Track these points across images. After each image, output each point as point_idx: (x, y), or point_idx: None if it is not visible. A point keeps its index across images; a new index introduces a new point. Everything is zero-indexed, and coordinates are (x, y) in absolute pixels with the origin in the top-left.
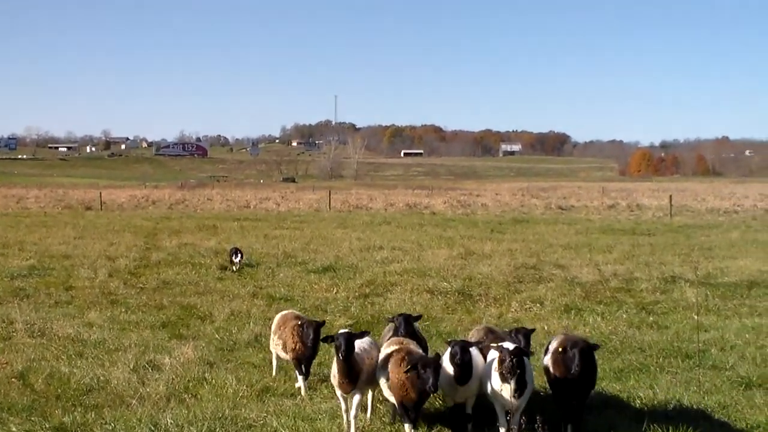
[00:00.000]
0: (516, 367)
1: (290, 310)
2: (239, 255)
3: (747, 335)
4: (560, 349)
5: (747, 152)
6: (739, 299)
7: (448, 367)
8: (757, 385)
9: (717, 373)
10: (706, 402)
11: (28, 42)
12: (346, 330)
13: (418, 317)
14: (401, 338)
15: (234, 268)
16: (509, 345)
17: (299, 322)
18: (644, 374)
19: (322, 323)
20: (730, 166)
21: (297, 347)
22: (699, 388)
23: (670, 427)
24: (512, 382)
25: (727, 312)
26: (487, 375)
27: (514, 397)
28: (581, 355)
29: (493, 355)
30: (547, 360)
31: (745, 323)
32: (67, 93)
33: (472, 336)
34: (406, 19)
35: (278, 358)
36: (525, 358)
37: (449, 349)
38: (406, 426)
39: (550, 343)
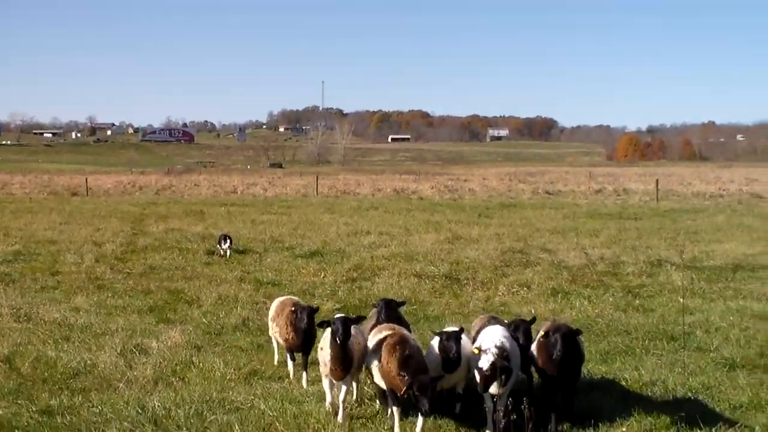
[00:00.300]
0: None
1: (287, 297)
2: (228, 241)
3: (731, 317)
4: (542, 335)
5: (738, 137)
6: (724, 282)
7: (436, 354)
8: (740, 366)
9: (701, 355)
10: (691, 383)
11: (11, 27)
12: (342, 315)
13: (402, 303)
14: (392, 324)
15: (223, 254)
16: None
17: (293, 309)
18: (630, 356)
19: (316, 309)
20: (717, 150)
21: (290, 335)
22: (684, 370)
23: (655, 409)
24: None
25: (712, 295)
26: (474, 361)
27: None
28: (563, 340)
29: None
30: (533, 347)
31: (729, 306)
32: (52, 79)
33: (476, 324)
34: (394, 5)
35: (279, 343)
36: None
37: (438, 340)
38: (395, 410)
39: (539, 331)
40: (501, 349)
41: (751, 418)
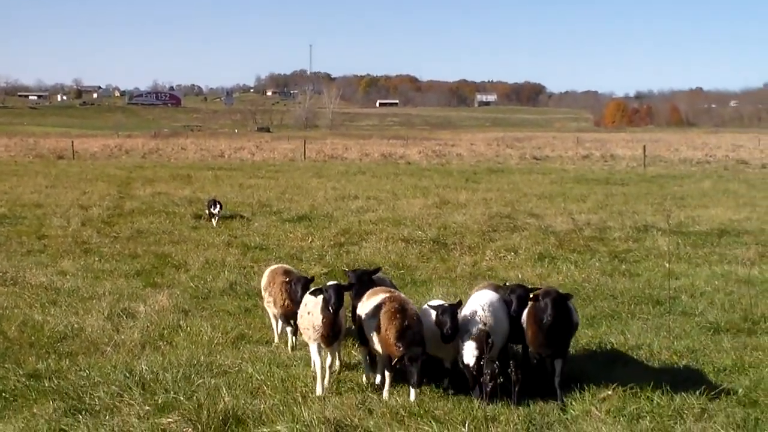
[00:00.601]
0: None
1: (279, 265)
2: (218, 206)
3: (716, 282)
4: (531, 298)
5: (732, 103)
6: (709, 247)
7: (432, 323)
8: (725, 330)
9: (687, 319)
10: (676, 347)
11: None
12: (335, 282)
13: (376, 270)
14: (388, 288)
15: (213, 219)
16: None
17: (287, 279)
18: (616, 321)
19: (311, 279)
20: (704, 117)
21: (286, 304)
22: (669, 334)
23: (641, 372)
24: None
25: (697, 260)
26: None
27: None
28: (553, 304)
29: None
30: (523, 316)
31: (714, 271)
32: (37, 40)
33: (475, 291)
34: None
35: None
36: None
37: (435, 314)
38: (387, 376)
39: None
40: (481, 335)
41: (735, 381)
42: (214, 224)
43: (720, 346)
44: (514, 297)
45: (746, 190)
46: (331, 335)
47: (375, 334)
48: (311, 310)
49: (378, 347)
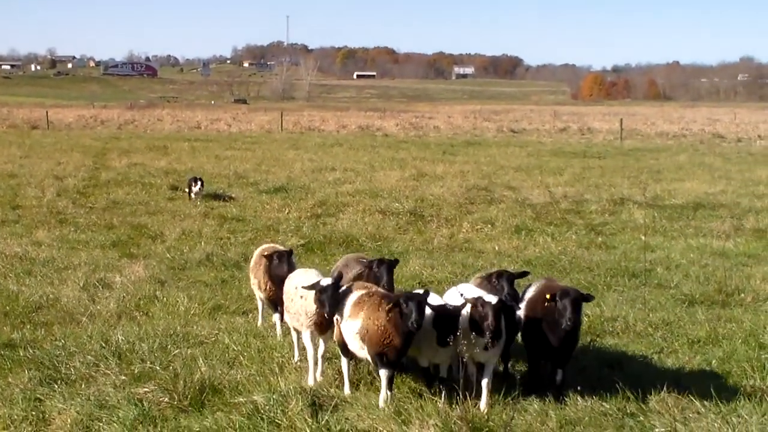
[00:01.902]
0: (497, 326)
1: (270, 245)
2: (199, 183)
3: (692, 255)
4: (548, 298)
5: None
6: (685, 220)
7: (429, 328)
8: (699, 302)
9: (662, 291)
10: (651, 319)
11: None
12: (331, 281)
13: (396, 262)
14: (365, 282)
15: (194, 197)
16: (491, 298)
17: (265, 254)
18: (592, 291)
19: (290, 252)
20: (681, 90)
21: (268, 287)
22: (644, 306)
23: (616, 344)
24: (487, 335)
25: (673, 233)
26: (460, 325)
27: (486, 347)
28: (573, 306)
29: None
30: (525, 311)
31: (690, 243)
32: (10, 8)
33: (472, 282)
34: None
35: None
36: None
37: (433, 314)
38: (383, 373)
39: (526, 291)
40: None
41: (709, 352)
42: (197, 202)
43: (694, 318)
44: (504, 282)
45: (722, 164)
46: (326, 322)
47: (357, 333)
48: (304, 294)
49: (363, 350)
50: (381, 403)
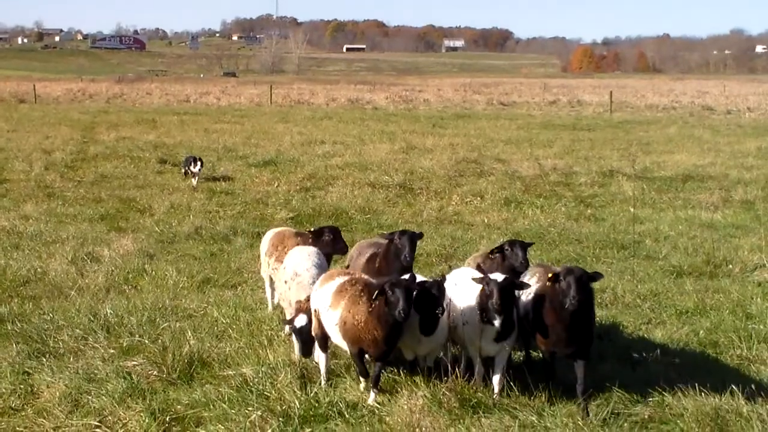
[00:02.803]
0: (504, 304)
1: (285, 228)
2: (198, 163)
3: (680, 227)
4: (550, 278)
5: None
6: (674, 192)
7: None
8: (687, 273)
9: (650, 263)
10: (640, 290)
11: None
12: (305, 321)
13: (421, 235)
14: (345, 269)
15: (193, 180)
16: (497, 276)
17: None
18: (581, 264)
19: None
20: (670, 63)
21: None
22: (633, 277)
23: (605, 315)
24: (497, 322)
25: (662, 204)
26: (466, 316)
27: (496, 339)
28: (578, 285)
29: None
30: (528, 299)
31: (678, 215)
32: None
33: (469, 264)
34: None
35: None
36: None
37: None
38: (363, 384)
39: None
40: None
41: (696, 323)
42: (194, 184)
43: (682, 288)
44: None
45: (711, 136)
46: None
47: (339, 325)
48: (289, 282)
49: (345, 344)
50: (371, 400)
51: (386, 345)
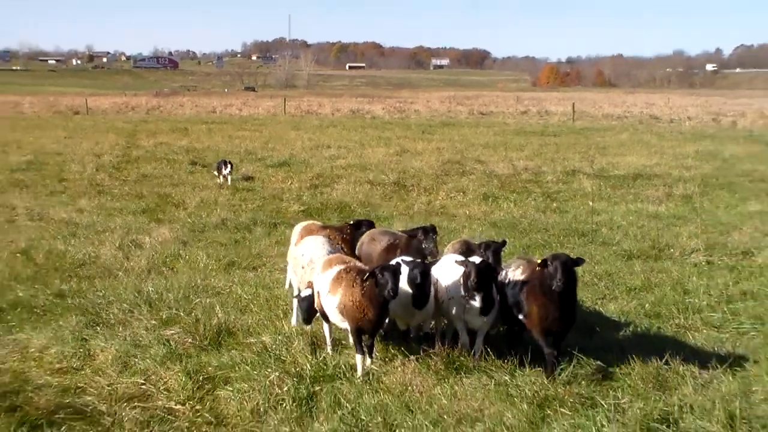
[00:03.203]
0: (481, 282)
1: (312, 221)
2: (229, 166)
3: (631, 217)
4: (538, 263)
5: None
6: (626, 188)
7: (405, 289)
8: (636, 256)
9: (606, 248)
10: (596, 270)
11: None
12: (309, 292)
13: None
14: (341, 256)
15: (226, 179)
16: (476, 259)
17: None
18: (547, 249)
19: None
20: (624, 79)
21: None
22: (591, 260)
23: None
24: (478, 299)
25: (615, 199)
26: (452, 293)
27: (480, 313)
28: (563, 269)
29: (458, 270)
30: (516, 290)
31: (629, 208)
32: (55, 10)
33: (448, 249)
34: None
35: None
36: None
37: (407, 271)
38: (359, 359)
39: (507, 273)
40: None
41: (643, 298)
42: (229, 182)
43: (632, 269)
44: (489, 253)
45: (657, 141)
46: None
47: (337, 306)
48: (305, 266)
49: (344, 323)
50: (359, 372)
51: (378, 321)
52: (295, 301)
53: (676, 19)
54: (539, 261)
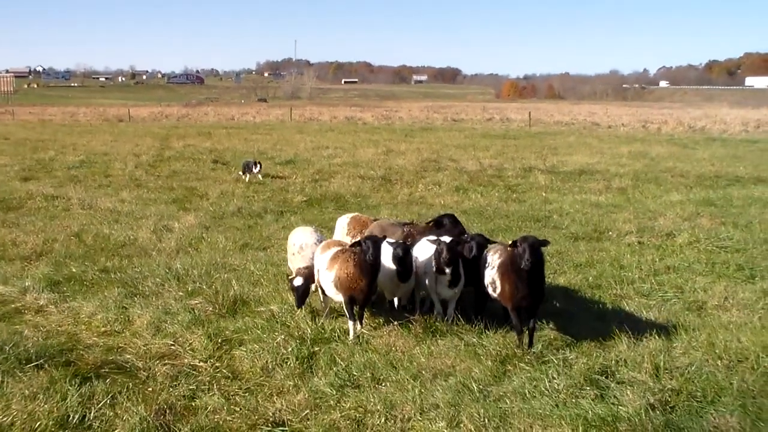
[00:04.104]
0: (451, 258)
1: (356, 213)
2: (258, 165)
3: (577, 206)
4: (509, 244)
5: (594, 85)
6: (573, 182)
7: (391, 266)
8: (581, 238)
9: (557, 231)
10: (549, 250)
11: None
12: (302, 281)
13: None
14: (338, 240)
15: (246, 178)
16: (446, 238)
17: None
18: (509, 233)
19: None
20: (570, 92)
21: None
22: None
23: None
24: (447, 273)
25: (564, 191)
26: (426, 268)
27: (449, 286)
28: (531, 249)
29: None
30: (494, 270)
31: (576, 198)
32: (105, 36)
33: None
34: None
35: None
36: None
37: (392, 250)
38: (351, 324)
39: (486, 257)
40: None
41: (587, 272)
42: (260, 179)
43: (578, 249)
44: (474, 243)
45: (597, 143)
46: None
47: (333, 280)
48: (295, 253)
49: (338, 295)
50: (351, 336)
51: (368, 292)
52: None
53: (612, 44)
54: (510, 242)
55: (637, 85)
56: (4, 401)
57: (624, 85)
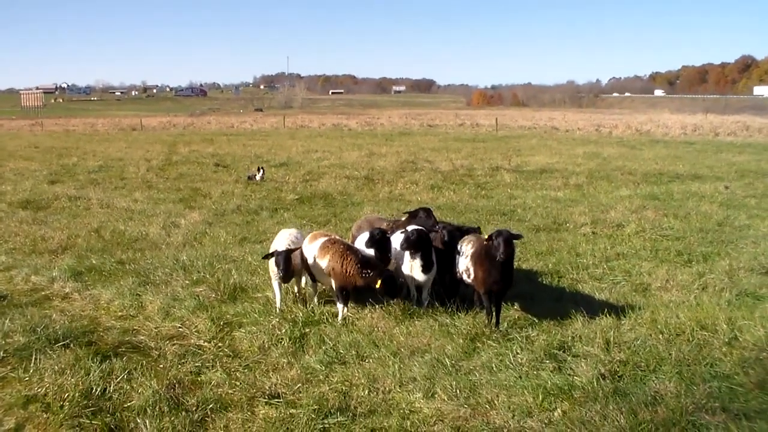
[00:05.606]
0: (417, 242)
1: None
2: (261, 171)
3: (538, 201)
4: (485, 238)
5: (553, 94)
6: (535, 180)
7: (415, 260)
8: (542, 230)
9: (521, 224)
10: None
11: (104, 22)
12: (284, 249)
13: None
14: (323, 232)
15: (259, 180)
16: (414, 227)
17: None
18: (479, 226)
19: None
20: (532, 101)
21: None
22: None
23: None
24: (418, 259)
25: (527, 187)
26: (401, 256)
27: (422, 272)
28: (505, 243)
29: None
30: (467, 259)
31: (537, 194)
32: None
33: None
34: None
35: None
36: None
37: (368, 235)
38: (340, 308)
39: (460, 247)
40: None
41: (547, 259)
42: (264, 180)
43: (539, 239)
44: (445, 232)
45: (557, 145)
46: (287, 279)
47: (327, 271)
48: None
49: (332, 282)
50: (340, 318)
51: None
52: (275, 284)
53: (569, 58)
54: (487, 236)
55: (591, 94)
56: (38, 375)
57: (579, 94)
